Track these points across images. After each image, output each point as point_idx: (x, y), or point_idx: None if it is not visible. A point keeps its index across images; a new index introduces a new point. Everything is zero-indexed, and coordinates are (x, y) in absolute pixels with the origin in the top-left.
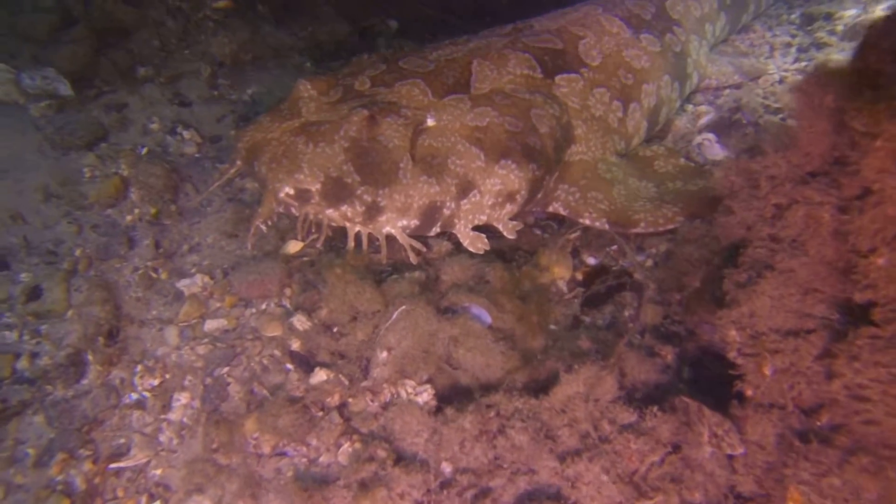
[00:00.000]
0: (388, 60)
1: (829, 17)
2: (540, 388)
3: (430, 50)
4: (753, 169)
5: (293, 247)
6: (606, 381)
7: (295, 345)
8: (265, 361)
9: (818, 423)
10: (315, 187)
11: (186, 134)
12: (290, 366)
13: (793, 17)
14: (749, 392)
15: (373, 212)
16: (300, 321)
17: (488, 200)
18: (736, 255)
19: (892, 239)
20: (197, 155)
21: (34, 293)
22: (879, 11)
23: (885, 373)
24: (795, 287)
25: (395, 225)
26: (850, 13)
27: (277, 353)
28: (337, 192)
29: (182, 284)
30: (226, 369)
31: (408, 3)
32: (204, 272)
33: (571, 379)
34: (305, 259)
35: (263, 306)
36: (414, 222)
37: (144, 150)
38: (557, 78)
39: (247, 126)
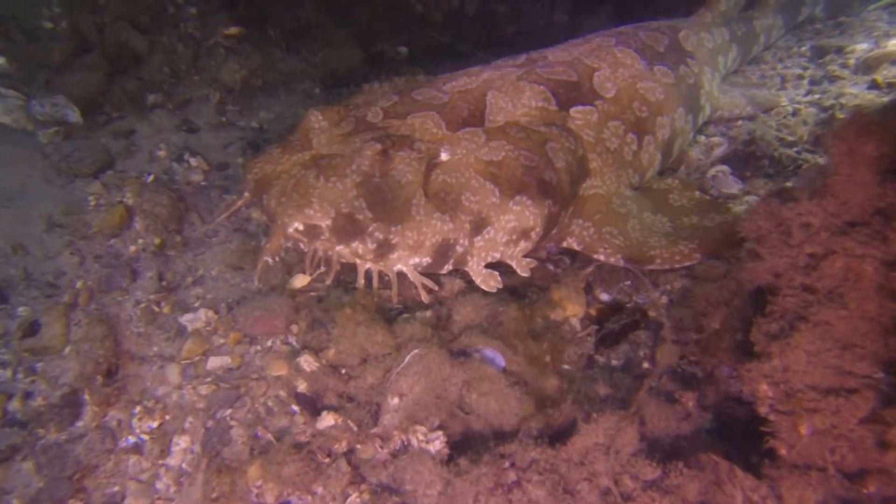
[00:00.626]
0: (401, 91)
1: (840, 50)
2: (556, 435)
3: (443, 81)
4: (785, 215)
5: (300, 281)
6: (627, 431)
7: (301, 386)
8: (270, 403)
9: (865, 491)
10: (326, 223)
11: (193, 161)
12: (295, 408)
13: (803, 49)
14: (783, 451)
15: (384, 249)
16: (307, 361)
17: (502, 237)
18: (761, 301)
19: None
20: (203, 183)
21: (31, 328)
22: (892, 46)
23: None
24: (833, 342)
25: (406, 263)
26: (861, 47)
27: (283, 394)
28: (348, 228)
29: (185, 319)
30: (229, 411)
31: (418, 30)
32: (208, 306)
33: (590, 429)
34: (312, 294)
35: (269, 344)
36: (426, 260)
37: (150, 178)
38: (572, 110)
39: (256, 157)
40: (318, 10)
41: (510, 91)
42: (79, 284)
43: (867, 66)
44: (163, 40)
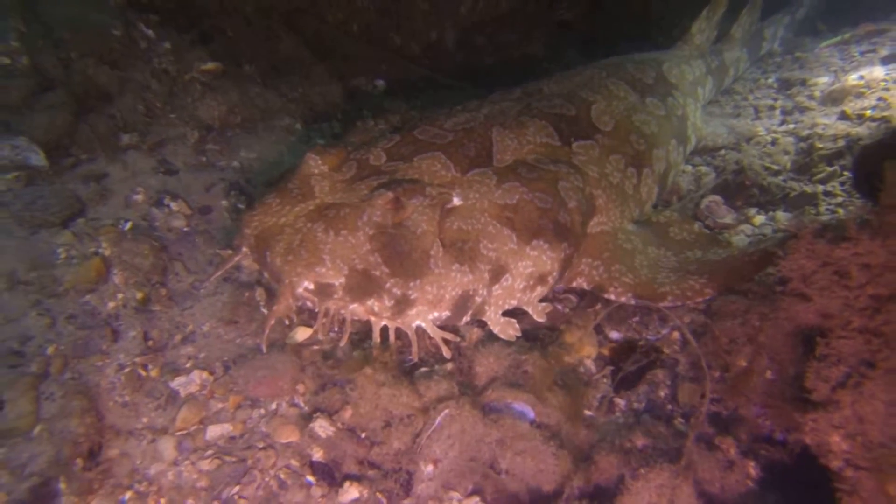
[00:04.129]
0: (401, 130)
1: (804, 82)
2: (597, 494)
3: (443, 118)
4: (839, 255)
5: (301, 334)
6: (683, 489)
7: (317, 454)
8: (282, 475)
9: None
10: (339, 281)
11: (174, 205)
12: (311, 479)
13: (770, 80)
14: None
15: (403, 305)
16: (322, 426)
17: (520, 284)
18: (799, 341)
19: None
20: (186, 229)
21: None
22: (852, 80)
23: None
24: None
25: (425, 318)
26: (823, 80)
27: (295, 463)
28: (364, 285)
29: (177, 383)
30: (236, 488)
31: (395, 62)
32: (202, 367)
33: (641, 487)
34: (316, 348)
35: (273, 406)
36: (445, 314)
37: (128, 225)
38: (574, 145)
39: (253, 208)
40: (295, 44)
41: (514, 127)
42: (50, 350)
43: (833, 98)
44: (135, 76)
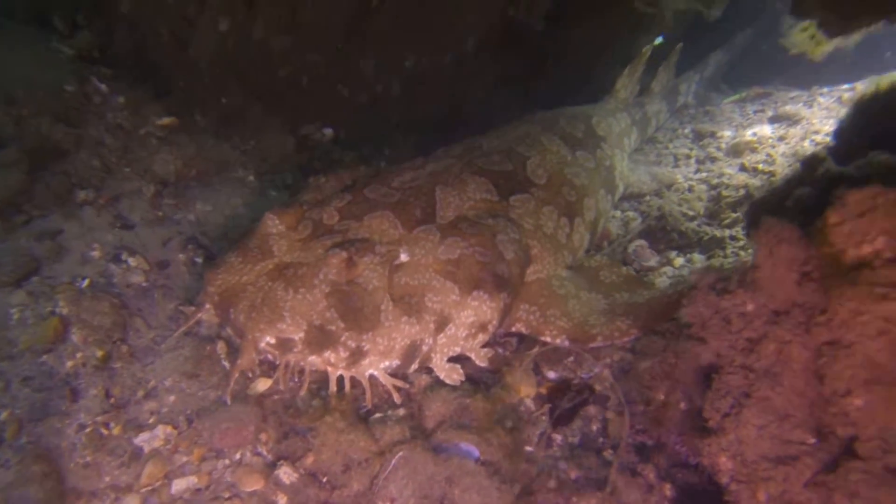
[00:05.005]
0: (351, 188)
1: (713, 134)
2: None
3: (390, 176)
4: (724, 305)
5: (262, 384)
6: None
7: (282, 500)
8: None
9: None
10: (298, 336)
11: (132, 261)
12: None
13: (686, 131)
14: None
15: (357, 356)
16: (286, 473)
17: (462, 332)
18: (702, 376)
19: (866, 382)
20: (144, 284)
21: None
22: (748, 136)
23: None
24: (774, 414)
25: (377, 367)
26: (727, 134)
27: None
28: (321, 339)
29: (141, 439)
30: None
31: (342, 111)
32: (165, 421)
33: None
34: (277, 398)
35: (238, 456)
36: (396, 362)
37: (86, 283)
38: (512, 199)
39: (217, 267)
40: (245, 95)
41: (456, 184)
42: (3, 416)
43: (735, 150)
44: (90, 132)
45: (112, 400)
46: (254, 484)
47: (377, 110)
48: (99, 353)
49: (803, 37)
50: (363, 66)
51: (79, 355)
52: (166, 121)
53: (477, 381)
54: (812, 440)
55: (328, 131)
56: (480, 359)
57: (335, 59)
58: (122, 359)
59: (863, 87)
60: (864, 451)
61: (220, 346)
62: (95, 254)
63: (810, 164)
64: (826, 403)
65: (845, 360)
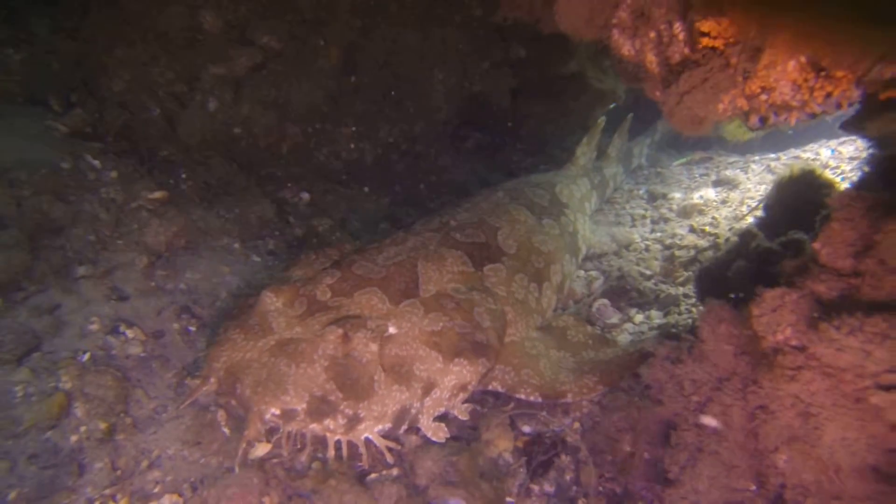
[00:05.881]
0: (339, 265)
1: (665, 196)
2: None
3: (375, 251)
4: (677, 372)
5: (261, 449)
6: None
7: None
8: None
9: None
10: (301, 407)
11: (130, 332)
12: None
13: (641, 192)
14: None
15: (353, 422)
16: None
17: (446, 395)
18: (663, 427)
19: (788, 440)
20: (143, 354)
21: None
22: (696, 199)
23: None
24: (722, 466)
25: (372, 431)
26: (677, 196)
27: None
28: (321, 408)
29: None
30: None
31: (319, 175)
32: (171, 490)
33: None
34: (276, 461)
35: None
36: (388, 426)
37: (87, 357)
38: (486, 269)
39: (220, 344)
40: (229, 166)
41: (435, 259)
42: (12, 496)
43: (684, 212)
44: (85, 207)
45: (118, 472)
46: None
47: (351, 173)
48: (102, 426)
49: (733, 126)
50: (340, 135)
51: (83, 429)
52: (158, 195)
53: (459, 439)
54: (753, 487)
55: (305, 196)
56: (461, 413)
57: (313, 130)
58: (126, 430)
59: (781, 169)
60: (790, 496)
61: (220, 415)
62: (94, 327)
63: (745, 238)
64: (761, 456)
65: (772, 423)
